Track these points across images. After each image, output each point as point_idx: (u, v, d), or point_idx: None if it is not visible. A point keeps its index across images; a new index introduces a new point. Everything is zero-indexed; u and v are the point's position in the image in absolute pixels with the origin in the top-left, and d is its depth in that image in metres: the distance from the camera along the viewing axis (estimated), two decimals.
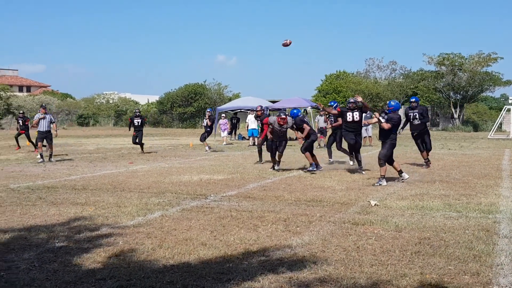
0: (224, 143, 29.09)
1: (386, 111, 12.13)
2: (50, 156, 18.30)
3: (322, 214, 8.50)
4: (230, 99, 61.21)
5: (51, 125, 18.31)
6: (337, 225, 7.65)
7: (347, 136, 14.31)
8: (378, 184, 11.79)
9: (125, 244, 6.57)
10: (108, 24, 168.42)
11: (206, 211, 8.76)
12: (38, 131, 18.15)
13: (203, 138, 22.66)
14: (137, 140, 22.14)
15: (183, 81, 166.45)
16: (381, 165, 11.89)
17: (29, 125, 24.56)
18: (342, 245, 6.52)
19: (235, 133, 36.49)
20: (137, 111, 23.33)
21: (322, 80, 67.82)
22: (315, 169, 14.18)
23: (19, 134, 25.11)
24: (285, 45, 15.27)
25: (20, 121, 24.73)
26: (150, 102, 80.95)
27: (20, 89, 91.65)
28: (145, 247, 6.39)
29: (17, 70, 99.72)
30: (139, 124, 22.51)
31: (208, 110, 24.03)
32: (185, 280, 5.18)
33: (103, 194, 10.52)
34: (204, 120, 23.59)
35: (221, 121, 31.41)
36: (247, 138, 31.00)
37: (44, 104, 19.01)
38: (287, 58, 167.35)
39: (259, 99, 36.26)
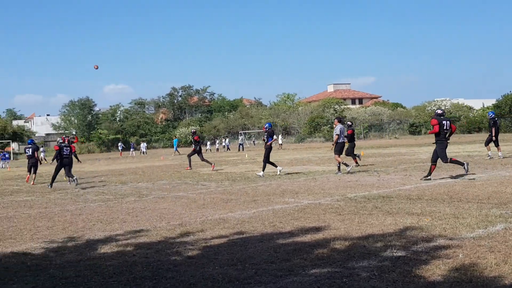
0: None
1: None
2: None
3: None
4: None
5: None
6: None
7: None
8: None
9: (465, 257, 6.17)
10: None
11: None
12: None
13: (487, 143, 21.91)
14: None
15: None
16: None
17: (200, 142, 24.98)
18: None
19: None
20: (60, 139, 20.27)
21: None
22: None
23: (193, 153, 25.05)
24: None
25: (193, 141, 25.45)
26: (485, 106, 76.97)
27: (353, 101, 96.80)
28: (488, 262, 5.89)
29: (349, 83, 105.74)
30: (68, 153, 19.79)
31: (490, 114, 22.54)
32: None
33: (439, 205, 10.20)
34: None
35: None
36: None
37: (338, 115, 19.77)
38: None
39: None
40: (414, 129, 73.63)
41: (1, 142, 69.57)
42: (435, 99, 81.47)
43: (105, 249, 7.65)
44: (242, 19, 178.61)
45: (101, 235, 8.80)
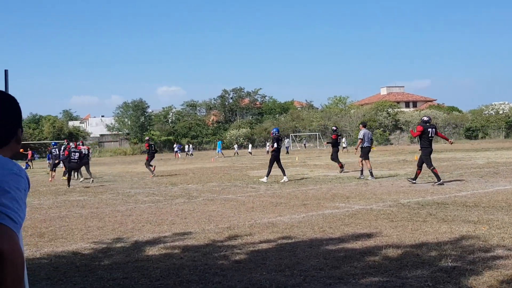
0: None
1: None
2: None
3: None
4: None
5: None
6: None
7: None
8: None
9: None
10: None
11: None
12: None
13: None
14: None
15: None
16: None
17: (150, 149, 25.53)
18: None
19: None
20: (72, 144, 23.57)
21: None
22: None
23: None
24: None
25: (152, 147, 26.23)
26: None
27: (407, 104, 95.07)
28: None
29: (403, 86, 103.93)
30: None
31: None
32: None
33: (497, 212, 9.78)
34: None
35: None
36: None
37: (363, 121, 19.94)
38: None
39: None
40: (471, 134, 71.71)
41: (58, 143, 71.64)
42: (493, 103, 79.06)
43: (153, 251, 7.64)
44: (294, 21, 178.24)
45: (150, 236, 8.82)
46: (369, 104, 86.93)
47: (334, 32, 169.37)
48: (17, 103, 2.17)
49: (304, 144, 74.82)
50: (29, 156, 44.65)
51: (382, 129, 72.28)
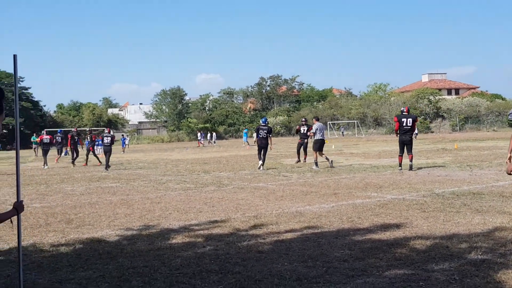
0: None
1: None
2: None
3: None
4: None
5: None
6: None
7: None
8: None
9: None
10: None
11: None
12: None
13: None
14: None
15: None
16: None
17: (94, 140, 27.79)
18: None
19: None
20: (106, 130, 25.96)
21: None
22: None
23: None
24: None
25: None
26: None
27: (449, 92, 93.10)
28: None
29: (445, 73, 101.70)
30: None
31: None
32: None
33: None
34: None
35: None
36: None
37: (317, 116, 20.39)
38: None
39: None
40: None
41: (97, 130, 72.70)
42: None
43: (177, 239, 7.58)
44: (333, 8, 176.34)
45: (176, 224, 8.76)
46: (410, 91, 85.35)
47: (373, 18, 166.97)
48: None
49: (342, 132, 74.10)
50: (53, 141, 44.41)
51: (423, 117, 70.78)
